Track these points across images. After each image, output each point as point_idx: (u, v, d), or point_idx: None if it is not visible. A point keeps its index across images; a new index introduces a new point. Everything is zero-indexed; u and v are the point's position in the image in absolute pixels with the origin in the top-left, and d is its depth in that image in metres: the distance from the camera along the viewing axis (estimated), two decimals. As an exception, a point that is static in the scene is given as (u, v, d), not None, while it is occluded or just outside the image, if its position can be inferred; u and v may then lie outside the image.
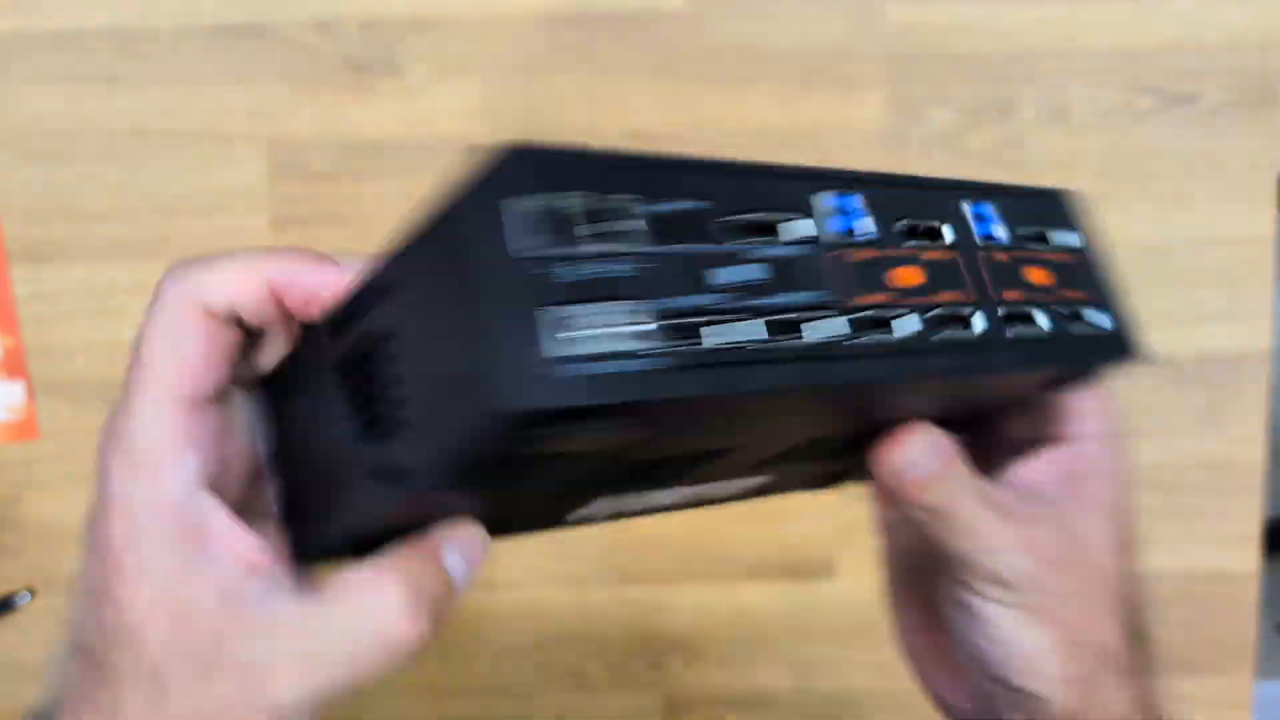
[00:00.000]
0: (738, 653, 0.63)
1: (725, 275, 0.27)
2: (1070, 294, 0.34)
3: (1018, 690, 0.34)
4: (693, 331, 0.26)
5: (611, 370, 0.24)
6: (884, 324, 0.30)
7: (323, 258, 0.30)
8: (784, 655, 0.63)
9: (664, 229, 0.27)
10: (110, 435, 0.30)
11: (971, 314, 0.32)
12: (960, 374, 0.31)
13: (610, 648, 0.63)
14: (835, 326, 0.29)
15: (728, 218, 0.28)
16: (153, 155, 0.61)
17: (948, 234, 0.33)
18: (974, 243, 0.33)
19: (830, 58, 0.60)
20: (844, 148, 0.61)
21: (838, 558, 0.63)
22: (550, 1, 0.60)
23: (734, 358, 0.27)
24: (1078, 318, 0.34)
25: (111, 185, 0.61)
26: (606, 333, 0.24)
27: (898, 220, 0.32)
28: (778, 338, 0.28)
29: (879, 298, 0.30)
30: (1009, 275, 0.33)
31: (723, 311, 0.27)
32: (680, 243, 0.27)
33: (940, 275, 0.32)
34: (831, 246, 0.30)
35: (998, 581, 0.34)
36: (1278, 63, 0.60)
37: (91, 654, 0.30)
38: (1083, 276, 0.35)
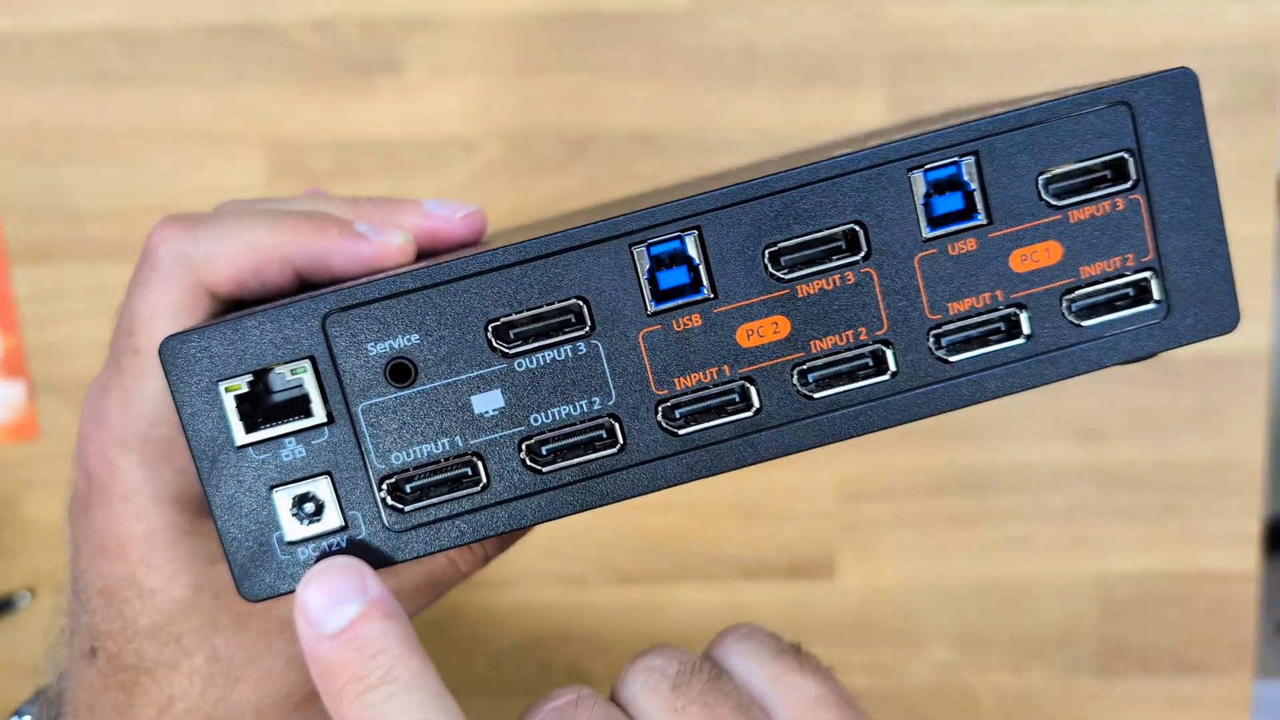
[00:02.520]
0: (737, 653, 0.63)
1: (481, 404, 0.26)
2: (1095, 268, 0.27)
3: None
4: (415, 495, 0.27)
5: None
6: (714, 411, 0.27)
7: (346, 229, 0.29)
8: (784, 655, 0.63)
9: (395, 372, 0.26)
10: (104, 424, 0.29)
11: (875, 354, 0.27)
12: (859, 432, 0.27)
13: (610, 648, 0.63)
14: (629, 433, 0.27)
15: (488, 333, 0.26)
16: (153, 155, 0.61)
17: (857, 242, 0.27)
18: (913, 239, 0.27)
19: (830, 58, 0.60)
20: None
21: (838, 558, 0.63)
22: (550, 1, 0.60)
23: (438, 518, 0.27)
24: (1099, 306, 0.27)
25: (111, 185, 0.61)
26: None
27: (768, 248, 0.27)
28: (501, 485, 0.27)
29: (692, 379, 0.27)
30: (977, 271, 0.27)
31: (435, 466, 0.26)
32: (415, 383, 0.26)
33: (823, 312, 0.27)
34: (626, 329, 0.26)
35: None
36: (1278, 63, 0.60)
37: (116, 657, 0.29)
38: (1132, 230, 0.27)
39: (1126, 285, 0.27)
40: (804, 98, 0.61)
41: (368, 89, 0.61)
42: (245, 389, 0.26)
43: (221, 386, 0.26)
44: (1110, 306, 0.27)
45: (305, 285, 0.30)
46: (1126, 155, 0.27)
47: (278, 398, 0.26)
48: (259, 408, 0.26)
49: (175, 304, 0.29)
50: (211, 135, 0.61)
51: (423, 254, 0.31)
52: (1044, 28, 0.60)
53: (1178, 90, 0.27)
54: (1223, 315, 0.28)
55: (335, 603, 0.25)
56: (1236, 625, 0.64)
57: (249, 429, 0.26)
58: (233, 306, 0.30)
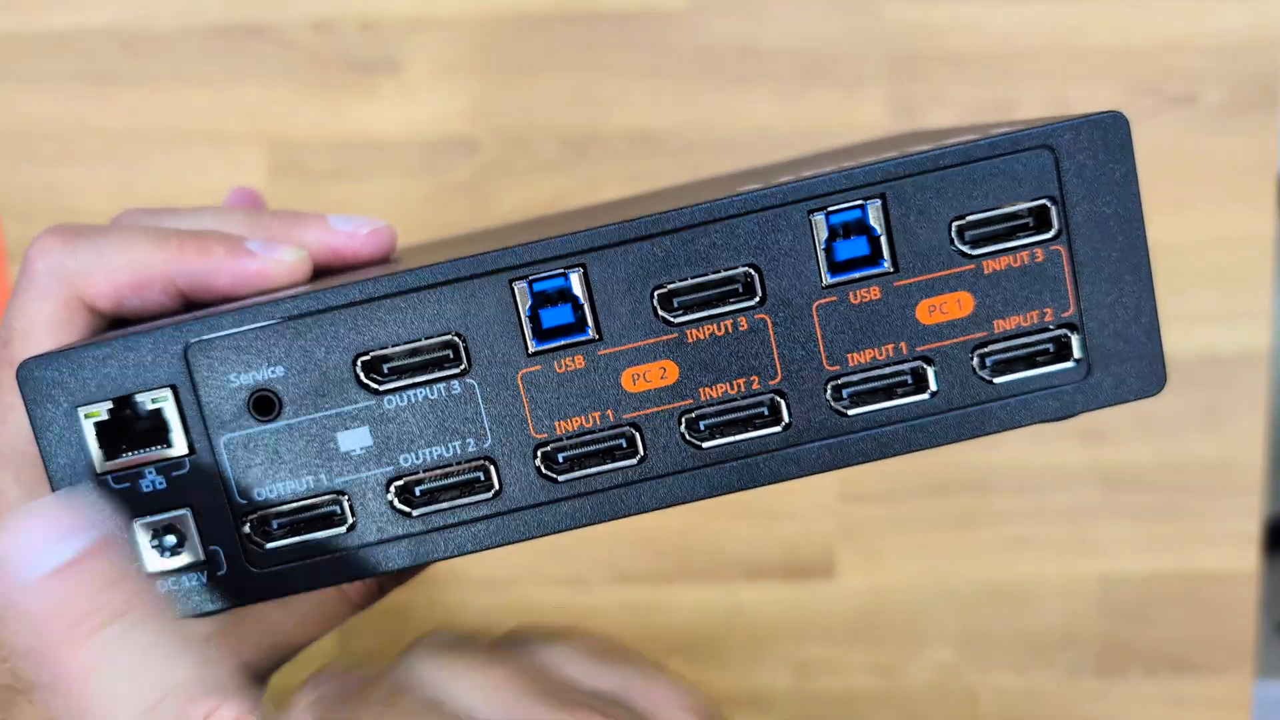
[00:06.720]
0: (737, 653, 0.63)
1: (347, 441, 0.26)
2: (1010, 322, 0.26)
3: None
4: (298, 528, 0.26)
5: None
6: (596, 457, 0.26)
7: (233, 247, 0.28)
8: (784, 655, 0.63)
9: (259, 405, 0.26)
10: None
11: (770, 404, 0.26)
12: (735, 488, 0.26)
13: (610, 648, 0.63)
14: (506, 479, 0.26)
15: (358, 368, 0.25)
16: (153, 155, 0.61)
17: (753, 287, 0.25)
18: (811, 286, 0.25)
19: (830, 58, 0.60)
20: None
21: (838, 558, 0.63)
22: (550, 1, 0.60)
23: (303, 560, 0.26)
24: (1015, 362, 0.26)
25: (111, 185, 0.61)
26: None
27: (658, 289, 0.25)
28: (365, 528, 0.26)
29: (574, 423, 0.26)
30: (880, 321, 0.26)
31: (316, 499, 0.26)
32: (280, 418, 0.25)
33: (714, 359, 0.25)
34: (504, 369, 0.25)
35: None
36: (1278, 63, 0.60)
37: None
38: (1052, 283, 0.26)
39: (1045, 341, 0.26)
40: (804, 98, 0.61)
41: (368, 89, 0.61)
42: (106, 416, 0.25)
43: (81, 412, 0.25)
44: (1027, 363, 0.26)
45: (192, 304, 0.29)
46: (1049, 203, 0.25)
47: (140, 426, 0.25)
48: (122, 435, 0.25)
49: (50, 317, 0.28)
50: (211, 135, 0.61)
51: (325, 271, 0.30)
52: (1044, 28, 0.60)
53: (1107, 136, 0.25)
54: (1148, 377, 0.26)
55: (56, 539, 0.21)
56: (1236, 625, 0.64)
57: (109, 456, 0.25)
58: (118, 323, 0.29)
